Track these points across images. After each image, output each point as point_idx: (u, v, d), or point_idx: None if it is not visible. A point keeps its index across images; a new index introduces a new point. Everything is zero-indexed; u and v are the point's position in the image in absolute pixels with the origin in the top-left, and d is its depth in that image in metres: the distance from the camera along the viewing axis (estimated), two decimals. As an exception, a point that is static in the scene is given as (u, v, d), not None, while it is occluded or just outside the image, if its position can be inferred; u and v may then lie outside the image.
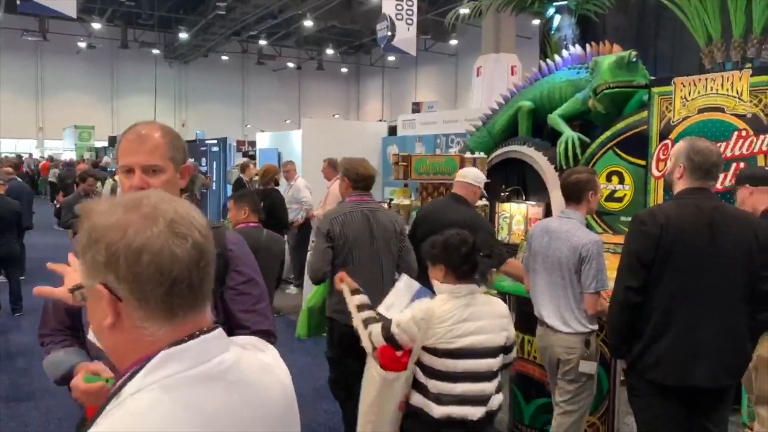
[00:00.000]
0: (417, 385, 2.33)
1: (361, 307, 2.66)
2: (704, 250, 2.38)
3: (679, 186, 2.50)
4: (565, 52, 5.89)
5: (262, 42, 24.77)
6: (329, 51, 25.67)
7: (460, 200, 3.85)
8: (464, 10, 7.76)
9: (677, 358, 2.39)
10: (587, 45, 5.68)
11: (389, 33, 12.77)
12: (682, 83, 4.52)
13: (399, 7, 12.85)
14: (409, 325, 2.27)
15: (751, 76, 4.12)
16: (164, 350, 0.84)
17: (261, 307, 1.66)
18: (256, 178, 7.93)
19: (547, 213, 5.81)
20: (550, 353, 3.24)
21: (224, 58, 27.14)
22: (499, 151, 6.32)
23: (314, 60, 27.33)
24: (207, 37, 23.54)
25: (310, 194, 7.25)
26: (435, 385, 2.27)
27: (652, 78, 5.04)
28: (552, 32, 6.32)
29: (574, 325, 3.08)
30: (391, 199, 5.25)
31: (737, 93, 4.19)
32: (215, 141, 12.72)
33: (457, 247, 2.36)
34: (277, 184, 6.88)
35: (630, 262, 2.47)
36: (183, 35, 23.27)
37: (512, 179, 6.32)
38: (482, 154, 5.38)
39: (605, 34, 5.96)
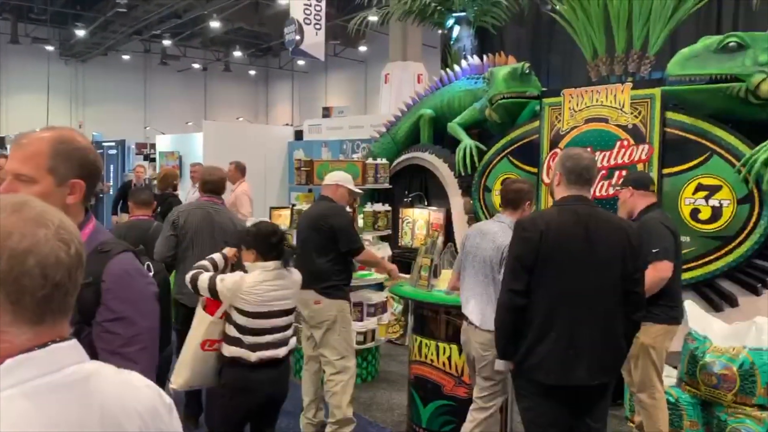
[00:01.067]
0: (233, 340, 2.81)
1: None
2: (582, 254, 2.50)
3: (558, 193, 2.63)
4: (464, 63, 6.07)
5: (166, 42, 23.91)
6: (237, 53, 25.13)
7: (324, 199, 4.00)
8: (373, 18, 7.83)
9: (559, 359, 2.48)
10: (485, 56, 5.88)
11: (297, 37, 12.65)
12: (571, 95, 4.76)
13: (307, 12, 12.75)
14: (222, 289, 2.78)
15: (632, 89, 4.41)
16: (14, 357, 0.81)
17: (130, 351, 1.43)
18: (152, 182, 7.64)
19: (448, 218, 5.96)
20: (468, 349, 3.36)
21: (125, 57, 25.96)
22: (402, 158, 6.42)
23: (221, 62, 26.68)
24: (106, 35, 22.45)
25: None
26: (248, 339, 2.80)
27: (544, 89, 5.28)
28: (452, 43, 6.49)
29: (491, 323, 3.18)
30: (293, 204, 5.20)
31: (620, 105, 4.46)
32: (113, 143, 12.15)
33: (267, 236, 2.87)
34: (175, 189, 6.65)
35: (513, 267, 2.56)
36: (80, 32, 22.09)
37: (415, 185, 6.43)
38: (384, 160, 5.44)
39: (502, 46, 6.19)
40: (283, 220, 5.79)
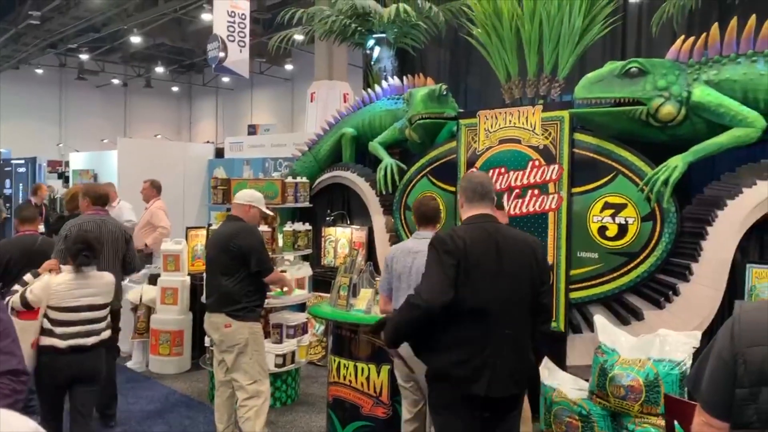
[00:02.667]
0: (46, 332, 3.31)
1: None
2: (495, 269, 2.57)
3: (465, 214, 2.73)
4: (385, 83, 6.13)
5: (84, 56, 23.06)
6: (159, 69, 24.52)
7: (234, 218, 3.97)
8: (299, 36, 7.82)
9: (475, 371, 2.53)
10: (405, 77, 5.96)
11: (221, 54, 12.47)
12: (485, 116, 4.88)
13: (231, 29, 12.59)
14: (32, 297, 3.27)
15: (543, 111, 4.55)
16: None
17: (3, 344, 1.56)
18: (53, 201, 7.32)
19: (370, 236, 5.96)
20: (411, 369, 3.36)
21: (39, 71, 24.82)
22: (324, 176, 6.39)
23: (142, 77, 25.94)
24: (18, 47, 21.40)
25: (134, 217, 6.83)
26: (58, 330, 3.30)
27: (461, 110, 5.39)
28: (373, 63, 6.55)
29: None
30: (209, 224, 5.07)
31: (531, 126, 4.60)
32: (22, 161, 11.53)
33: (73, 244, 3.42)
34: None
35: (431, 272, 2.58)
36: (-11, 44, 20.97)
37: (337, 204, 6.41)
38: (304, 179, 5.40)
39: (422, 68, 6.30)
40: (199, 240, 5.64)
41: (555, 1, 4.59)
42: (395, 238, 5.58)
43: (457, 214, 4.95)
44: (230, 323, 3.75)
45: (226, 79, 24.97)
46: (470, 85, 6.18)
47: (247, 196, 3.97)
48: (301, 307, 5.26)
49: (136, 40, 19.63)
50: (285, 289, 4.34)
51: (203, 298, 5.12)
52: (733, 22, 3.91)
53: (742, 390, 1.54)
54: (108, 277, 3.54)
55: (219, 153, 9.91)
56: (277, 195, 5.04)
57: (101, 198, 4.47)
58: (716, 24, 4.01)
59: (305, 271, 5.25)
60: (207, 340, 5.03)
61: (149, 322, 5.72)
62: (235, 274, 3.75)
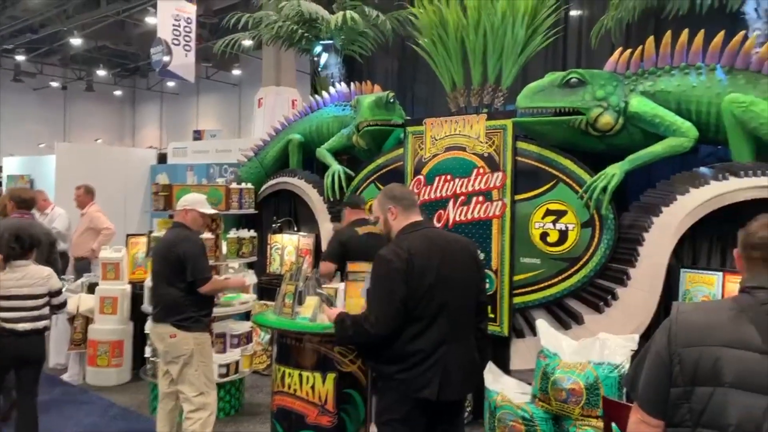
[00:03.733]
0: None
1: None
2: (441, 274, 2.60)
3: (400, 224, 2.74)
4: (332, 89, 6.12)
5: (20, 57, 22.18)
6: (101, 72, 23.77)
7: (177, 225, 3.89)
8: (246, 41, 7.72)
9: (423, 376, 2.55)
10: (352, 84, 5.96)
11: (165, 58, 12.21)
12: (432, 124, 4.93)
13: (176, 33, 12.33)
14: None
15: (487, 119, 4.63)
16: None
17: None
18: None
19: (318, 244, 5.92)
20: None
21: (-29, 72, 23.79)
22: (270, 183, 6.33)
23: (83, 81, 25.10)
24: (-52, 47, 20.48)
25: (68, 224, 6.61)
26: (3, 315, 3.63)
27: (408, 118, 5.43)
28: (320, 70, 6.54)
29: None
30: (150, 231, 4.93)
31: (476, 134, 4.67)
32: (-50, 166, 11.00)
33: (7, 242, 3.71)
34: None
35: (379, 297, 2.59)
36: None
37: (284, 210, 6.35)
38: (249, 185, 5.32)
39: (369, 75, 6.32)
40: (140, 247, 5.48)
41: (498, 13, 4.68)
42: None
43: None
44: (175, 333, 3.66)
45: (171, 84, 24.45)
46: (417, 93, 6.24)
47: (185, 200, 3.89)
48: (245, 316, 5.17)
49: (76, 42, 19.00)
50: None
51: (144, 307, 5.00)
52: (667, 36, 4.07)
53: (677, 389, 1.59)
54: (42, 272, 3.81)
55: (162, 159, 9.69)
56: (221, 201, 4.95)
57: (26, 202, 4.60)
58: (651, 37, 4.17)
59: (250, 279, 5.16)
60: (148, 350, 4.89)
61: (86, 332, 5.51)
62: (177, 284, 3.67)
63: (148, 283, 4.95)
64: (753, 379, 1.50)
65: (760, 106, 3.63)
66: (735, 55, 3.84)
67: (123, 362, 5.52)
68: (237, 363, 4.74)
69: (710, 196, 3.73)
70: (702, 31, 3.98)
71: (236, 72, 22.46)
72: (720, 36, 3.89)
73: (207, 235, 4.56)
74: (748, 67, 3.81)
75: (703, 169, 3.84)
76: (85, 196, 6.35)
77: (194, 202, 3.90)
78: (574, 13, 5.30)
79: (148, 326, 4.98)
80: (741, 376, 1.51)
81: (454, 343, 2.60)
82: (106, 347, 5.42)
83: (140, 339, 5.45)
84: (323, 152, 5.79)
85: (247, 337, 4.94)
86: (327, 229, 5.77)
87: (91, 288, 5.64)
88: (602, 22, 4.73)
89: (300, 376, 3.77)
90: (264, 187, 6.35)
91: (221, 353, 4.69)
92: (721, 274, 3.70)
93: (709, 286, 3.72)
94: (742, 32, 3.94)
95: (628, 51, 4.18)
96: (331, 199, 5.63)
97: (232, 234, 4.95)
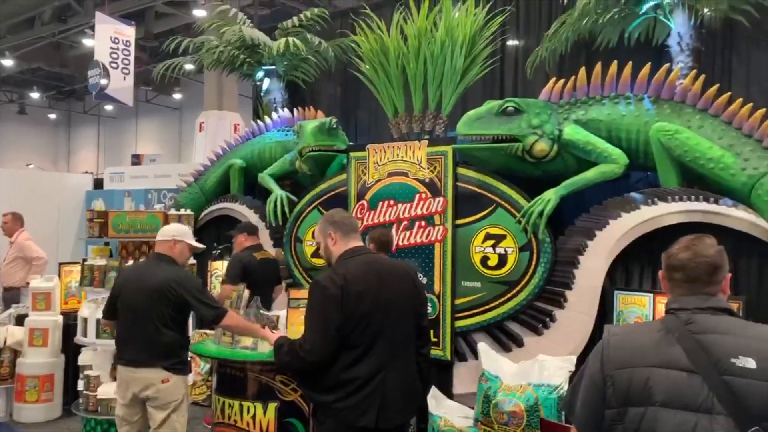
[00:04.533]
0: None
1: None
2: (379, 300, 2.60)
3: (339, 249, 2.73)
4: (275, 115, 6.11)
5: (-54, 78, 21.26)
6: (34, 94, 22.98)
7: (163, 259, 3.63)
8: (189, 65, 7.62)
9: (361, 403, 2.54)
10: (295, 109, 5.97)
11: (103, 81, 11.94)
12: (374, 149, 4.97)
13: (114, 56, 12.09)
14: None
15: (428, 146, 4.71)
16: None
17: None
18: None
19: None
20: None
21: None
22: (211, 208, 6.23)
23: (15, 103, 24.19)
24: None
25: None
26: None
27: (351, 143, 5.47)
28: (262, 95, 6.52)
29: None
30: (84, 260, 4.77)
31: (418, 160, 4.74)
32: None
33: None
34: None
35: (321, 327, 2.57)
36: None
37: (225, 237, 6.24)
38: (189, 211, 5.23)
39: (312, 101, 6.34)
40: (73, 276, 5.29)
41: (438, 42, 4.79)
42: (286, 271, 5.50)
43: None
44: (168, 378, 3.45)
45: (109, 107, 23.82)
46: (360, 119, 6.29)
47: (171, 231, 3.69)
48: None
49: (8, 63, 18.34)
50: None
51: (78, 339, 4.79)
52: (598, 67, 4.25)
53: (611, 411, 1.63)
54: None
55: (98, 184, 9.39)
56: (159, 228, 4.83)
57: None
58: (583, 68, 4.35)
59: (190, 307, 5.03)
60: (81, 383, 4.69)
61: (14, 366, 5.24)
62: (175, 325, 3.48)
63: (84, 313, 4.77)
64: (681, 397, 1.55)
65: (685, 134, 3.83)
66: (661, 86, 4.04)
67: (53, 397, 5.26)
68: (175, 394, 4.59)
69: (640, 220, 3.89)
70: (630, 63, 4.18)
71: (177, 95, 22.13)
72: (647, 68, 4.09)
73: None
74: (672, 97, 4.01)
75: (633, 195, 4.00)
76: (14, 223, 6.10)
77: (183, 233, 3.69)
78: (511, 43, 5.47)
79: (86, 360, 4.79)
80: (670, 395, 1.56)
81: (394, 369, 2.60)
82: (35, 382, 5.16)
83: (72, 372, 5.22)
84: (266, 178, 5.75)
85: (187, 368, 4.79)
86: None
87: (20, 319, 5.38)
88: (537, 53, 4.91)
89: (241, 406, 3.70)
90: (204, 213, 6.25)
91: (159, 385, 4.54)
92: (652, 295, 3.84)
93: (642, 307, 3.86)
94: (667, 65, 4.15)
95: (562, 81, 4.35)
96: (274, 225, 5.58)
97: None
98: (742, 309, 3.50)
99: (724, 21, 4.39)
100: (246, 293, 4.12)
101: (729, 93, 3.95)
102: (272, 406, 3.67)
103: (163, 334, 3.45)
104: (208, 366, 5.53)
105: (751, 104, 3.84)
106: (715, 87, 3.94)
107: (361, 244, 2.77)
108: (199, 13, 12.26)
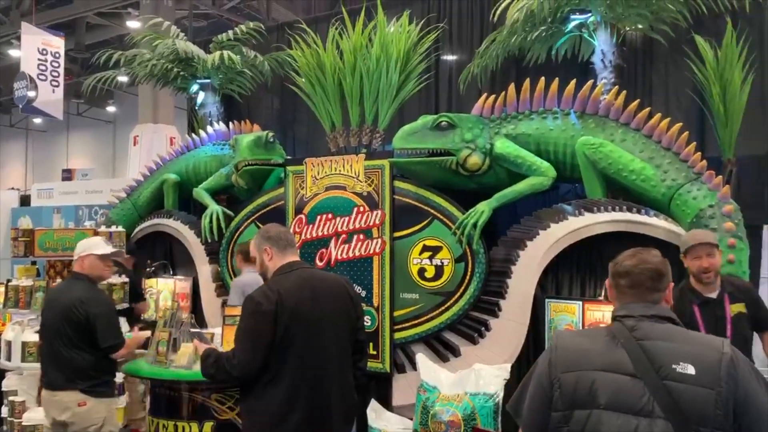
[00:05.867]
0: None
1: None
2: (314, 315, 2.61)
3: (275, 264, 2.73)
4: (210, 128, 6.03)
5: None
6: (-44, 107, 21.95)
7: (77, 277, 3.59)
8: (122, 78, 7.43)
9: (307, 420, 2.54)
10: (231, 123, 5.91)
11: (30, 93, 11.50)
12: (312, 163, 4.98)
13: (42, 67, 11.67)
14: None
15: (365, 159, 4.75)
16: None
17: None
18: None
19: (195, 286, 5.73)
20: None
21: None
22: (144, 225, 6.08)
23: (-66, 116, 23.00)
24: None
25: None
26: None
27: (288, 157, 5.45)
28: (197, 108, 6.43)
29: None
30: (9, 280, 4.57)
31: (356, 174, 4.77)
32: None
33: None
34: None
35: (253, 343, 2.56)
36: None
37: (159, 253, 6.11)
38: (120, 228, 5.08)
39: (249, 114, 6.29)
40: (-3, 298, 5.04)
41: (373, 57, 4.86)
42: (222, 288, 5.42)
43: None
44: (85, 401, 3.34)
45: (38, 120, 22.91)
46: (298, 133, 6.28)
47: (78, 248, 3.57)
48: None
49: (-74, 74, 17.43)
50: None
51: (3, 363, 4.57)
52: (527, 83, 4.40)
53: (557, 413, 1.67)
54: None
55: (25, 201, 9.02)
56: (90, 246, 4.68)
57: None
58: (513, 84, 4.49)
59: (122, 326, 4.87)
60: (5, 410, 4.47)
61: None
62: (85, 347, 3.37)
63: (8, 336, 4.56)
64: (624, 400, 1.60)
65: (608, 148, 4.00)
66: (586, 101, 4.22)
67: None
68: (107, 418, 4.44)
69: (569, 230, 4.03)
70: (557, 79, 4.34)
71: (111, 108, 21.52)
72: (572, 84, 4.26)
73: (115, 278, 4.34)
74: (597, 112, 4.19)
75: (562, 206, 4.15)
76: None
77: (89, 246, 3.60)
78: (445, 59, 5.60)
79: (10, 385, 4.57)
80: (614, 398, 1.61)
81: (329, 384, 2.60)
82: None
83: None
84: (201, 192, 5.66)
85: (119, 389, 4.65)
86: (205, 272, 5.61)
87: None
88: (469, 69, 5.03)
89: (176, 427, 3.62)
90: (137, 229, 6.09)
91: (89, 408, 4.38)
92: (581, 302, 3.98)
93: (571, 315, 3.99)
94: (591, 81, 4.34)
95: (493, 96, 4.47)
96: (209, 241, 5.48)
97: (101, 280, 4.67)
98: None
99: (644, 39, 4.63)
100: (180, 312, 4.04)
101: (649, 108, 4.17)
102: (208, 426, 3.60)
103: (75, 356, 3.38)
104: (143, 386, 5.37)
105: (669, 118, 4.06)
106: (636, 102, 4.15)
107: (297, 258, 2.78)
108: (132, 24, 12.01)
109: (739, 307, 3.21)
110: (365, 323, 4.46)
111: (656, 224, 3.82)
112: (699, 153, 3.96)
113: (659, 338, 1.67)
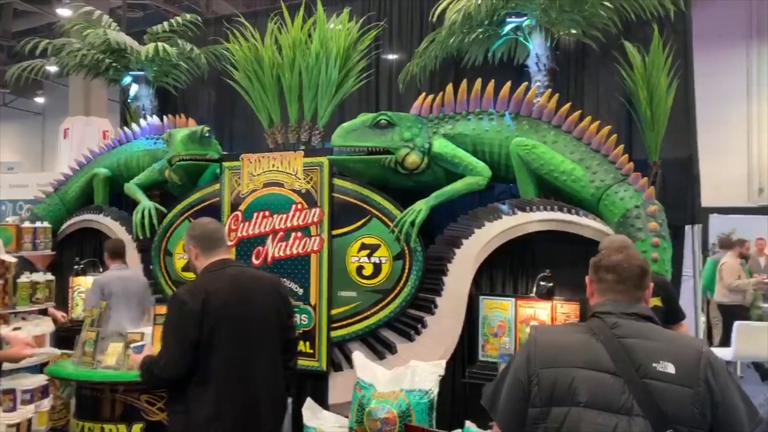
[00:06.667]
0: None
1: None
2: (242, 314, 2.58)
3: (202, 263, 2.68)
4: (143, 122, 5.85)
5: None
6: None
7: None
8: (52, 67, 7.09)
9: (238, 420, 2.50)
10: (165, 117, 5.75)
11: (-51, 82, 10.92)
12: (249, 159, 4.90)
13: (-36, 54, 11.13)
14: None
15: (304, 157, 4.71)
16: None
17: None
18: None
19: (127, 285, 5.53)
20: None
21: None
22: (72, 220, 5.86)
23: None
24: None
25: None
26: None
27: (225, 153, 5.35)
28: (130, 101, 6.22)
29: None
30: None
31: (294, 171, 4.73)
32: None
33: None
34: None
35: (178, 342, 2.51)
36: None
37: (88, 251, 5.89)
38: (46, 223, 4.87)
39: (184, 108, 6.13)
40: None
41: (313, 53, 4.82)
42: (154, 286, 5.27)
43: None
44: None
45: (-42, 110, 21.70)
46: (235, 128, 6.15)
47: None
48: (36, 369, 4.66)
49: None
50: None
51: None
52: (464, 84, 4.46)
53: (534, 409, 1.65)
54: None
55: (-57, 195, 8.52)
56: (11, 242, 4.47)
57: None
58: (450, 84, 4.55)
59: (46, 326, 4.67)
60: None
61: None
62: None
63: None
64: (604, 398, 1.59)
65: (541, 149, 4.10)
66: (520, 104, 4.31)
67: None
68: (29, 421, 4.25)
69: (503, 228, 4.11)
70: (493, 81, 4.42)
71: (40, 99, 20.61)
72: (507, 86, 4.35)
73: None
74: (530, 114, 4.29)
75: (497, 205, 4.23)
76: None
77: None
78: (385, 57, 5.61)
79: None
80: (593, 396, 1.60)
81: (257, 383, 2.57)
82: None
83: None
84: (132, 188, 5.48)
85: (43, 392, 4.46)
86: (137, 270, 5.43)
87: None
88: (408, 68, 5.07)
89: (102, 429, 3.51)
90: (65, 225, 5.86)
91: (11, 411, 4.19)
92: (513, 299, 4.08)
93: (504, 311, 4.08)
94: (526, 83, 4.44)
95: (431, 96, 4.52)
96: (141, 238, 5.32)
97: (25, 278, 4.46)
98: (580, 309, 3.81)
99: (576, 44, 4.77)
100: (108, 311, 3.91)
101: (580, 111, 4.30)
102: (137, 428, 3.52)
103: None
104: (69, 389, 5.17)
105: (598, 121, 4.20)
106: (568, 105, 4.27)
107: (227, 256, 2.73)
108: (63, 12, 11.52)
109: (655, 301, 3.35)
110: (303, 321, 4.48)
111: (586, 224, 3.95)
112: (626, 155, 4.12)
113: (639, 336, 1.67)
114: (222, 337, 2.51)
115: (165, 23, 6.09)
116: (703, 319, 6.56)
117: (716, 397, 1.59)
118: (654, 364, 1.60)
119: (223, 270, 2.63)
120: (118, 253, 5.09)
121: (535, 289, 4.02)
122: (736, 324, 6.80)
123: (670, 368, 1.59)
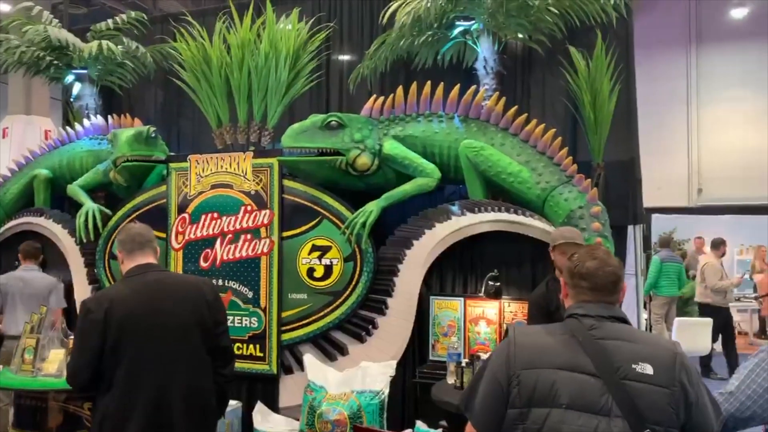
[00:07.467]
0: None
1: None
2: (154, 322, 2.50)
3: (126, 268, 2.65)
4: (87, 122, 5.69)
5: None
6: None
7: None
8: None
9: (150, 425, 2.44)
10: (110, 116, 5.60)
11: None
12: (197, 160, 4.83)
13: None
14: None
15: (253, 158, 4.67)
16: None
17: None
18: None
19: (69, 290, 5.37)
20: None
21: None
22: (11, 224, 5.65)
23: None
24: None
25: None
26: None
27: (171, 154, 5.25)
28: (73, 100, 6.03)
29: None
30: None
31: (243, 172, 4.68)
32: None
33: None
34: None
35: (75, 347, 2.52)
36: None
37: (29, 254, 5.67)
38: (-19, 228, 4.68)
39: (129, 108, 5.98)
40: None
41: (262, 53, 4.78)
42: (99, 290, 5.11)
43: (168, 261, 4.76)
44: None
45: None
46: (183, 129, 6.03)
47: None
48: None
49: None
50: None
51: None
52: (414, 86, 4.49)
53: (514, 410, 1.65)
54: None
55: None
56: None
57: None
58: (401, 87, 4.57)
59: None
60: None
61: None
62: None
63: None
64: (585, 400, 1.61)
65: (489, 151, 4.17)
66: (469, 106, 4.37)
67: None
68: (-36, 434, 4.08)
69: (452, 229, 4.17)
70: (443, 83, 4.47)
71: (-24, 97, 19.75)
72: (456, 89, 4.40)
73: None
74: (479, 116, 4.36)
75: (446, 206, 4.28)
76: None
77: None
78: (336, 58, 5.59)
79: None
80: (575, 397, 1.61)
81: (170, 392, 2.49)
82: None
83: None
84: (75, 189, 5.32)
85: (-21, 402, 4.28)
86: (80, 273, 5.28)
87: None
88: (359, 70, 5.07)
89: (42, 440, 3.39)
90: (3, 228, 5.65)
91: (-57, 425, 4.01)
92: (463, 299, 4.14)
93: (454, 311, 4.13)
94: (474, 86, 4.50)
95: (382, 98, 4.53)
96: (85, 241, 5.17)
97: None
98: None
99: (523, 48, 4.86)
100: (49, 316, 3.79)
101: (526, 114, 4.39)
102: (79, 437, 3.41)
103: None
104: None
105: (544, 124, 4.30)
106: (515, 108, 4.35)
107: (150, 260, 2.65)
108: (2, 7, 11.08)
109: None
110: (253, 324, 4.43)
111: (532, 224, 4.03)
112: (571, 157, 4.23)
113: (618, 338, 1.69)
114: (126, 345, 2.44)
115: (110, 20, 5.91)
116: (645, 316, 6.78)
117: (690, 397, 1.63)
118: (633, 366, 1.63)
119: (143, 275, 2.56)
120: (30, 254, 5.18)
121: (483, 289, 4.09)
122: (676, 320, 7.06)
123: (649, 369, 1.62)
